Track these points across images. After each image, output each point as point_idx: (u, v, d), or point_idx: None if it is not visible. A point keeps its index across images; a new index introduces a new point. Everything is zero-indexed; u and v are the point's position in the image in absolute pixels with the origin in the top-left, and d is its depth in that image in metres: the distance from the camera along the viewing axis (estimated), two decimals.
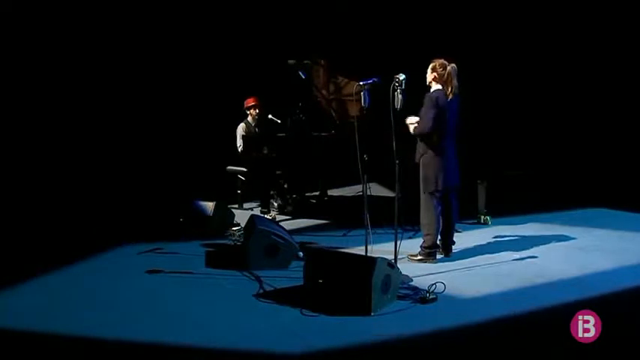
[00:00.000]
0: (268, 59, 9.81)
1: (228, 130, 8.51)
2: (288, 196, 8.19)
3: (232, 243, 6.71)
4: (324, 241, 6.72)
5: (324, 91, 8.59)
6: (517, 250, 6.31)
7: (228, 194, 8.15)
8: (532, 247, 6.42)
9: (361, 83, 5.54)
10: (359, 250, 5.64)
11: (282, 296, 5.11)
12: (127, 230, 7.16)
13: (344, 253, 5.84)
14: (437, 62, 5.92)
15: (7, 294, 5.26)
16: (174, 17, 10.35)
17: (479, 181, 7.48)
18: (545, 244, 6.54)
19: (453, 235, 6.22)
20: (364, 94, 5.53)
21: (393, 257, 5.23)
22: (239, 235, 6.76)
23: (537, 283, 5.40)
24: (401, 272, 5.16)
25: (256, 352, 4.21)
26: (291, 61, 8.30)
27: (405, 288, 5.19)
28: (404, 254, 5.90)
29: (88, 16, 9.97)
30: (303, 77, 8.29)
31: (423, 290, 5.06)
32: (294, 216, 7.95)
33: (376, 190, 8.24)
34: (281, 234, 5.98)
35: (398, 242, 5.38)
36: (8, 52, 9.59)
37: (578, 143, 9.83)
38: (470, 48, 9.34)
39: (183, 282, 5.55)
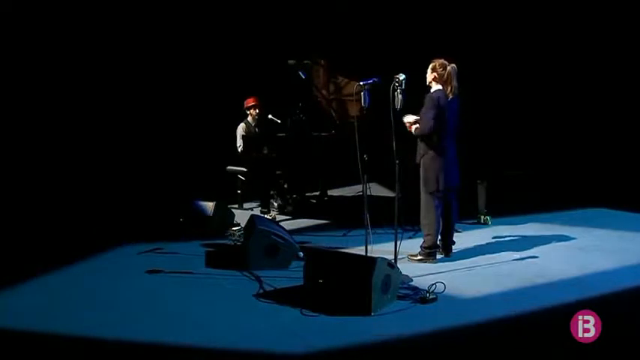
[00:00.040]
0: (268, 59, 9.81)
1: (228, 130, 8.51)
2: (288, 196, 8.19)
3: (232, 243, 6.71)
4: (324, 241, 6.72)
5: (324, 91, 8.59)
6: (517, 250, 6.31)
7: (228, 194, 8.15)
8: (532, 247, 6.42)
9: (361, 83, 5.54)
10: (359, 250, 5.64)
11: (282, 296, 5.11)
12: (127, 230, 7.16)
13: (344, 253, 5.84)
14: (437, 62, 5.92)
15: (7, 294, 5.26)
16: (174, 17, 10.35)
17: (479, 181, 7.48)
18: (545, 244, 6.54)
19: (452, 235, 6.22)
20: (364, 94, 5.53)
21: (393, 257, 5.23)
22: (239, 235, 6.76)
23: (537, 283, 5.40)
24: (401, 272, 5.16)
25: (256, 352, 4.21)
26: (291, 61, 8.30)
27: (405, 288, 5.19)
28: (404, 254, 5.90)
29: (88, 16, 9.97)
30: (303, 77, 8.29)
31: (423, 290, 5.06)
32: (294, 216, 7.95)
33: (376, 190, 8.25)
34: (281, 234, 5.98)
35: (398, 242, 5.38)
36: (8, 52, 9.59)
37: (578, 143, 9.83)
38: (470, 48, 9.34)
39: (183, 282, 5.55)
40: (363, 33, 10.33)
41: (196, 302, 5.09)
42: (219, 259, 6.19)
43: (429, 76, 5.95)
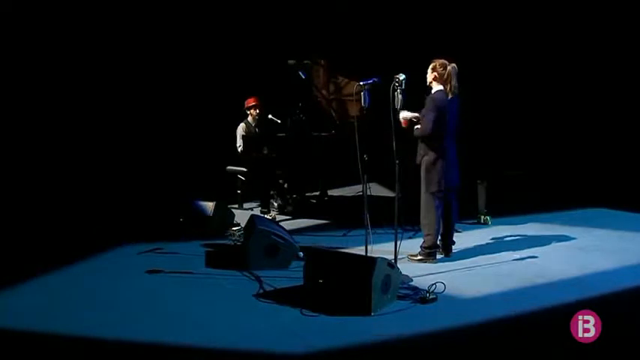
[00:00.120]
0: (268, 59, 9.81)
1: (228, 130, 8.52)
2: (288, 196, 8.19)
3: (232, 243, 6.71)
4: (324, 241, 6.71)
5: (324, 91, 8.59)
6: (517, 250, 6.31)
7: (228, 194, 8.15)
8: (532, 247, 6.42)
9: (361, 83, 5.54)
10: (359, 250, 5.64)
11: (282, 296, 5.11)
12: (127, 230, 7.16)
13: (344, 253, 5.84)
14: (437, 62, 5.92)
15: (7, 294, 5.26)
16: (174, 17, 10.35)
17: (479, 181, 7.48)
18: (545, 244, 6.54)
19: (452, 235, 6.23)
20: (364, 94, 5.53)
21: (393, 257, 5.23)
22: (239, 235, 6.76)
23: (537, 283, 5.40)
24: (401, 272, 5.16)
25: (256, 352, 4.21)
26: (291, 61, 8.30)
27: (405, 288, 5.19)
28: (404, 254, 5.90)
29: (88, 16, 9.97)
30: (303, 77, 8.29)
31: (423, 290, 5.06)
32: (294, 216, 7.95)
33: (376, 190, 8.25)
34: (281, 234, 5.98)
35: (398, 242, 5.38)
36: (8, 52, 9.59)
37: (577, 143, 9.83)
38: (470, 48, 9.34)
39: (183, 282, 5.55)
40: (363, 33, 10.33)
41: (196, 302, 5.09)
42: (219, 259, 6.19)
43: (430, 76, 5.95)
